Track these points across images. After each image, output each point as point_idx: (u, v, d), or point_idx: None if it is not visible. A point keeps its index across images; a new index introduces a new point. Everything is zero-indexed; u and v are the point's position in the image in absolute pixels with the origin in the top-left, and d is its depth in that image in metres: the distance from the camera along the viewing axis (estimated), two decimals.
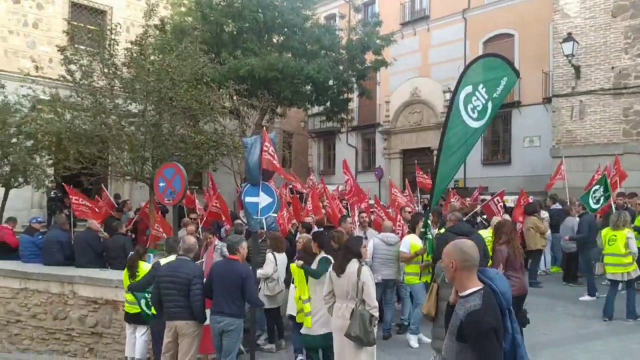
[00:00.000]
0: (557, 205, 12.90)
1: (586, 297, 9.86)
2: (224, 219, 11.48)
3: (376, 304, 5.27)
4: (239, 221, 10.00)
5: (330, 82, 18.76)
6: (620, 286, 8.49)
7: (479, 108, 7.16)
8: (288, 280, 7.34)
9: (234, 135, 13.81)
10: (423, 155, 23.21)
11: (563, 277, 11.46)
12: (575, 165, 15.32)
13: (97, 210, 10.38)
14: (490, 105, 7.26)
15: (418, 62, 24.62)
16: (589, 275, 10.06)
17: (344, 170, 14.84)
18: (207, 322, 5.90)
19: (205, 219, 11.13)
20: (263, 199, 7.26)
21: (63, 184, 12.44)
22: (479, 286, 2.94)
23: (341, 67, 18.80)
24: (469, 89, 7.09)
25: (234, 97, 16.02)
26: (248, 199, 7.17)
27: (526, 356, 3.04)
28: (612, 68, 15.45)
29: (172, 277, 5.69)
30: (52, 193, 14.70)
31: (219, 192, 12.10)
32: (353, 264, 5.29)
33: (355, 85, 20.35)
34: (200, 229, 10.17)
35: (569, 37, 15.62)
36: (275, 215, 7.56)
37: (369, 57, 19.40)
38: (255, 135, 10.71)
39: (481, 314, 2.81)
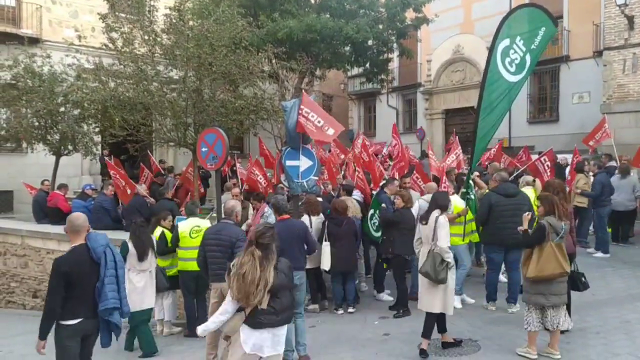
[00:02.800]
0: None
1: (599, 254, 10.09)
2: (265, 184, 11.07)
3: (446, 247, 5.70)
4: (280, 184, 10.06)
5: (370, 42, 18.34)
6: None
7: (517, 61, 7.01)
8: (321, 239, 7.58)
9: (273, 99, 13.75)
10: (466, 114, 22.66)
11: (612, 236, 11.16)
12: (628, 122, 14.68)
13: (128, 191, 10.84)
14: (528, 57, 7.09)
15: (460, 18, 23.78)
16: (601, 233, 10.34)
17: (393, 134, 14.62)
18: None
19: (245, 185, 11.26)
20: (304, 162, 7.27)
21: (105, 158, 12.72)
22: (78, 243, 4.47)
23: (381, 26, 18.31)
24: (506, 42, 6.93)
25: (273, 61, 15.87)
26: (289, 163, 7.21)
27: (111, 293, 4.46)
28: None
29: (217, 240, 5.81)
30: (105, 159, 15.16)
31: (257, 159, 12.19)
32: (434, 214, 5.85)
33: (395, 45, 19.82)
34: (242, 194, 10.31)
35: None
36: (316, 178, 7.58)
37: (409, 14, 18.78)
38: (295, 98, 10.62)
39: (59, 260, 4.43)
